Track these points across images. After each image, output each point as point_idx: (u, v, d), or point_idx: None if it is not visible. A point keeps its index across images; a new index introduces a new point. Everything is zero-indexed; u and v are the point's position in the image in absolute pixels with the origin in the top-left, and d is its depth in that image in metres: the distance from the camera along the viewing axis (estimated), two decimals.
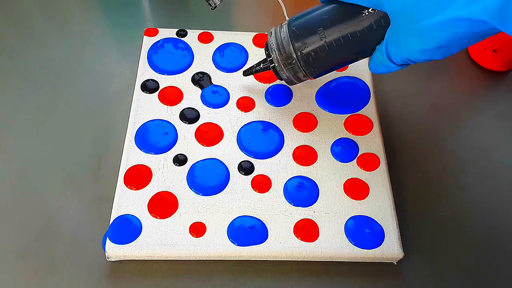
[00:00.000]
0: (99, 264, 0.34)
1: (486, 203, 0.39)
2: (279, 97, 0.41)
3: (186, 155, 0.37)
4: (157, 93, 0.41)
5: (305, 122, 0.40)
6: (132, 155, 0.37)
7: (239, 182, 0.36)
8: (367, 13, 0.31)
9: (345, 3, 0.32)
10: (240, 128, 0.39)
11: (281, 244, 0.34)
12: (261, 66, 0.38)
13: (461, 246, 0.37)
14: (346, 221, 0.35)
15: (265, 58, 0.37)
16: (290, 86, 0.42)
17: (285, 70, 0.35)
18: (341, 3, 0.32)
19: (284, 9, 0.37)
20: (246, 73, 0.40)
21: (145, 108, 0.40)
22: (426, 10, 0.27)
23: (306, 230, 0.34)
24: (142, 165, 0.37)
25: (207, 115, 0.40)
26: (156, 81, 0.41)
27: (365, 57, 0.34)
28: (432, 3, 0.26)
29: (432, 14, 0.27)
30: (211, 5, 0.37)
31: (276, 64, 0.35)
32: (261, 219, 0.35)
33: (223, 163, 0.37)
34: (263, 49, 0.44)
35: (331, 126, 0.40)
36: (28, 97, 0.42)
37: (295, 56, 0.34)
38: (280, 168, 0.37)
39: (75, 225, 0.35)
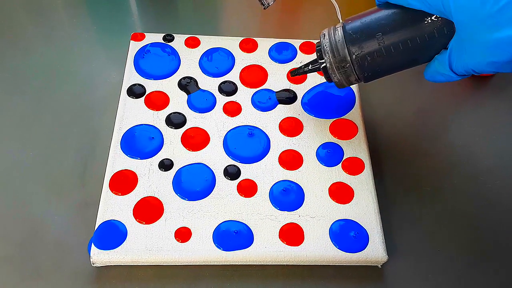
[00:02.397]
0: (84, 270, 0.34)
1: (470, 206, 0.39)
2: (265, 102, 0.42)
3: (172, 160, 0.37)
4: (143, 98, 0.41)
5: (291, 127, 0.40)
6: (117, 160, 0.37)
7: (225, 187, 0.37)
8: (429, 21, 0.30)
9: (407, 8, 0.31)
10: (227, 133, 0.39)
11: (266, 249, 0.34)
12: (310, 67, 0.37)
13: (445, 249, 0.37)
14: (331, 225, 0.35)
15: (315, 59, 0.37)
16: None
17: (337, 73, 0.34)
18: (402, 8, 0.31)
19: (338, 11, 0.37)
20: (293, 74, 0.39)
21: (131, 113, 0.40)
22: (499, 23, 0.26)
23: (292, 234, 0.35)
24: (128, 170, 0.37)
25: (194, 119, 0.40)
26: (142, 86, 0.41)
27: (421, 64, 0.34)
28: (506, 15, 0.26)
29: (505, 26, 0.26)
30: (264, 4, 0.37)
31: (328, 67, 0.35)
32: (246, 223, 0.35)
33: (209, 168, 0.37)
34: (250, 53, 0.45)
35: (317, 131, 0.40)
36: (13, 103, 0.42)
37: (349, 60, 0.33)
38: (266, 172, 0.38)
39: (60, 231, 0.35)
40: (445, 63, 0.31)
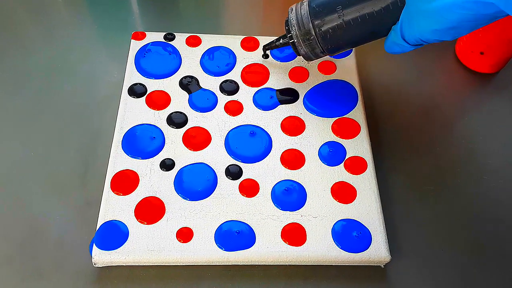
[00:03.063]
0: (86, 270, 0.34)
1: (474, 205, 0.39)
2: (267, 101, 0.41)
3: (174, 159, 0.37)
4: (144, 97, 0.40)
5: (293, 126, 0.40)
6: (119, 160, 0.37)
7: (226, 187, 0.36)
8: None
9: None
10: (228, 132, 0.39)
11: (268, 249, 0.34)
12: (281, 41, 0.40)
13: (448, 249, 0.37)
14: (334, 225, 0.35)
15: (285, 34, 0.39)
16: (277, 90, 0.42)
17: (303, 46, 0.37)
18: None
19: None
20: (266, 48, 0.42)
21: (132, 113, 0.39)
22: None
23: (294, 234, 0.34)
24: (129, 170, 0.36)
25: (195, 119, 0.40)
26: (143, 85, 0.41)
27: (380, 37, 0.36)
28: None
29: None
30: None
31: (295, 40, 0.37)
32: (248, 223, 0.35)
33: (210, 167, 0.37)
34: (252, 52, 0.44)
35: (319, 130, 0.40)
36: (14, 102, 0.42)
37: (313, 33, 0.36)
38: (268, 172, 0.37)
39: (61, 231, 0.35)
40: (398, 34, 0.33)
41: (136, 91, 0.41)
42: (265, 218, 0.35)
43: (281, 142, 0.39)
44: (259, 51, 0.44)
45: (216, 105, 0.41)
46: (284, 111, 0.41)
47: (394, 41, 0.34)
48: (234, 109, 0.41)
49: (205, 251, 0.33)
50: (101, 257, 0.33)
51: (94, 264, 0.33)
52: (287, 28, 0.38)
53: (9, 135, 0.40)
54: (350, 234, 0.35)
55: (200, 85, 0.42)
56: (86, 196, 0.37)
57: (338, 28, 0.35)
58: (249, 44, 0.45)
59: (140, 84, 0.41)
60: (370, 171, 0.38)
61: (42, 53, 0.45)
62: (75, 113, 0.41)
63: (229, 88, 0.42)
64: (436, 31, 0.31)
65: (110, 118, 0.40)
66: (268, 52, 0.44)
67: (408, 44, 0.33)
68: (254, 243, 0.34)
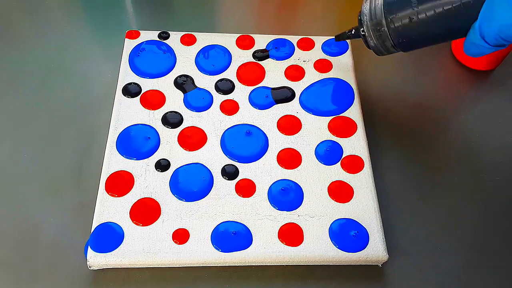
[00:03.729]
0: (81, 273, 0.33)
1: (471, 203, 0.39)
2: (263, 99, 0.41)
3: (169, 160, 0.37)
4: (139, 97, 0.40)
5: (289, 125, 0.40)
6: (113, 161, 0.36)
7: (223, 187, 0.36)
8: None
9: None
10: (224, 132, 0.39)
11: (265, 249, 0.33)
12: (353, 32, 0.39)
13: (446, 247, 0.37)
14: (331, 224, 0.35)
15: (357, 26, 0.38)
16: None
17: (373, 37, 0.36)
18: None
19: None
20: (338, 38, 0.41)
21: (127, 113, 0.39)
22: None
23: (291, 234, 0.34)
24: (124, 171, 0.36)
25: (190, 119, 0.39)
26: (138, 85, 0.41)
27: (459, 37, 0.34)
28: None
29: None
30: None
31: (365, 31, 0.36)
32: (245, 224, 0.34)
33: (206, 167, 0.37)
34: (247, 50, 0.44)
35: (315, 129, 0.40)
36: (6, 102, 0.41)
37: (384, 24, 0.34)
38: (264, 172, 0.37)
39: (56, 233, 0.35)
40: (477, 32, 0.30)
41: (131, 90, 0.40)
42: (262, 218, 0.35)
43: (278, 141, 0.39)
44: (255, 49, 0.44)
45: (211, 104, 0.40)
46: (280, 110, 0.41)
47: (472, 41, 0.31)
48: (229, 108, 0.40)
49: (201, 252, 0.33)
50: (96, 259, 0.32)
51: (89, 266, 0.33)
52: (359, 18, 0.37)
53: (2, 136, 0.39)
54: (347, 234, 0.34)
55: (195, 84, 0.41)
56: (80, 198, 0.36)
57: (411, 22, 0.33)
58: (244, 43, 0.44)
59: (135, 83, 0.41)
60: (367, 169, 0.38)
61: (35, 53, 0.44)
62: (68, 114, 0.41)
63: (225, 87, 0.41)
64: None
65: (105, 119, 0.40)
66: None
67: (488, 45, 0.30)
68: (251, 243, 0.34)
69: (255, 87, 0.42)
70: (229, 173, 0.37)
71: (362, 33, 0.37)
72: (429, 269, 0.36)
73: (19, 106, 0.41)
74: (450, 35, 0.34)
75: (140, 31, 0.44)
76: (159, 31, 0.44)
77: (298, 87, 0.42)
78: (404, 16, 0.33)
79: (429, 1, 0.32)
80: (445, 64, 0.48)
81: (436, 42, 0.35)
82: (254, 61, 0.43)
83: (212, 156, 0.37)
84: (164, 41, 0.44)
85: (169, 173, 0.36)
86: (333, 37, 0.42)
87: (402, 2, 0.33)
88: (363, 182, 0.37)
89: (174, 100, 0.40)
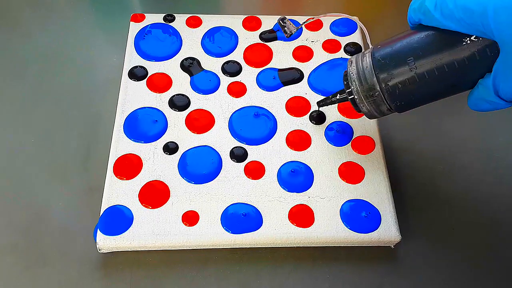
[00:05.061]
0: (91, 256, 0.33)
1: (484, 183, 0.38)
2: (270, 81, 0.40)
3: (177, 143, 0.36)
4: (145, 80, 0.39)
5: (298, 107, 0.39)
6: (121, 145, 0.36)
7: (232, 170, 0.36)
8: (469, 42, 0.27)
9: (441, 30, 0.28)
10: (232, 114, 0.38)
11: (276, 231, 0.33)
12: (338, 97, 0.35)
13: (459, 227, 0.36)
14: (342, 206, 0.34)
15: (343, 89, 0.34)
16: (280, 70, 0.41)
17: (365, 103, 0.31)
18: (436, 29, 0.28)
19: (368, 36, 0.34)
20: (320, 105, 0.37)
21: (133, 96, 0.38)
22: None
23: (301, 216, 0.34)
24: (132, 154, 0.36)
25: (198, 101, 0.39)
26: (144, 68, 0.40)
27: (463, 91, 0.30)
28: None
29: None
30: (286, 33, 0.36)
31: (355, 96, 0.32)
32: (255, 206, 0.34)
33: (215, 150, 0.36)
34: (254, 32, 0.43)
35: (325, 110, 0.39)
36: (13, 88, 0.41)
37: (378, 88, 0.30)
38: (273, 154, 0.37)
39: (65, 217, 0.35)
40: (490, 89, 0.27)
41: (137, 74, 0.40)
42: (271, 200, 0.34)
43: (286, 123, 0.38)
44: (262, 30, 0.43)
45: (218, 86, 0.40)
46: (289, 91, 0.40)
47: (483, 98, 0.28)
48: (237, 90, 0.40)
49: (211, 234, 0.33)
50: (105, 242, 0.32)
51: (99, 249, 0.32)
52: (345, 82, 0.33)
53: (8, 122, 0.39)
54: (359, 215, 0.34)
55: (202, 66, 0.41)
56: (89, 182, 0.36)
57: (410, 82, 0.29)
58: (251, 24, 0.43)
59: (141, 66, 0.40)
60: (378, 150, 0.37)
61: (40, 39, 0.44)
62: (75, 99, 0.40)
63: (232, 69, 0.41)
64: None
65: (111, 103, 0.39)
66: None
67: (504, 101, 0.27)
68: (261, 225, 0.33)
69: (262, 68, 0.41)
70: (238, 155, 0.36)
71: (350, 98, 0.32)
72: (442, 249, 0.35)
73: (25, 92, 0.40)
74: (454, 90, 0.30)
75: (145, 14, 0.43)
76: (164, 14, 0.43)
77: (307, 68, 0.41)
78: (400, 76, 0.29)
79: (427, 56, 0.28)
80: None
81: (437, 98, 0.31)
82: (261, 42, 0.43)
83: (220, 139, 0.37)
84: (169, 24, 0.43)
85: (177, 156, 0.36)
86: (343, 16, 0.41)
87: (396, 61, 0.29)
88: (374, 163, 0.36)
89: (181, 83, 0.40)
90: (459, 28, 0.27)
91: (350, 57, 0.42)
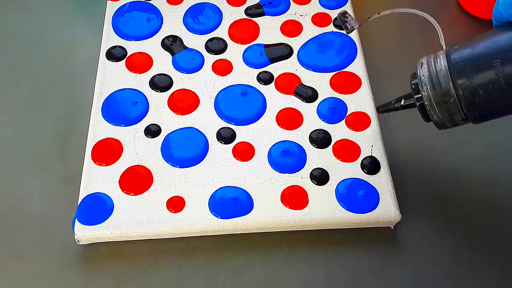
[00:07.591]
0: (70, 249, 0.31)
1: (485, 160, 0.36)
2: (258, 58, 0.38)
3: (159, 125, 0.34)
4: (124, 60, 0.37)
5: (287, 83, 0.37)
6: (99, 129, 0.34)
7: (219, 152, 0.33)
8: None
9: None
10: (218, 94, 0.36)
11: (268, 214, 0.31)
12: (403, 102, 0.31)
13: (460, 206, 0.34)
14: (337, 185, 0.32)
15: (409, 93, 0.30)
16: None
17: (437, 111, 0.28)
18: None
19: (441, 35, 0.31)
20: (381, 111, 0.33)
21: (112, 78, 0.36)
22: None
23: (295, 198, 0.32)
24: (111, 138, 0.33)
25: (180, 81, 0.37)
26: (123, 48, 0.38)
27: None
28: None
29: None
30: (347, 28, 0.33)
31: (426, 102, 0.28)
32: (245, 189, 0.32)
33: (200, 132, 0.34)
34: (239, 7, 0.41)
35: (316, 86, 0.37)
36: None
37: (454, 93, 0.27)
38: (263, 134, 0.35)
39: (42, 208, 0.33)
40: None
41: (115, 54, 0.37)
42: (262, 182, 0.32)
43: (276, 101, 0.36)
44: (247, 5, 0.41)
45: (202, 65, 0.38)
46: (278, 67, 0.38)
47: None
48: (222, 68, 0.37)
49: (199, 220, 0.31)
50: (84, 232, 0.30)
51: (78, 241, 0.30)
52: (413, 86, 0.29)
53: None
54: (355, 194, 0.32)
55: (185, 44, 0.38)
56: (66, 170, 0.34)
57: (494, 88, 0.25)
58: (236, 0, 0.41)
59: (119, 46, 0.38)
60: (374, 126, 0.35)
61: (13, 19, 0.42)
62: (51, 82, 0.38)
63: (216, 46, 0.39)
64: None
65: (89, 86, 0.37)
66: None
67: None
68: (252, 209, 0.31)
69: (248, 45, 0.39)
70: (225, 137, 0.34)
71: (419, 103, 0.29)
72: (444, 231, 0.33)
73: None
74: None
75: None
76: None
77: (296, 43, 0.39)
78: (482, 81, 0.25)
79: None
80: (451, 16, 0.45)
81: None
82: (247, 18, 0.40)
83: (206, 120, 0.35)
84: (149, 1, 0.41)
85: (160, 139, 0.34)
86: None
87: (479, 63, 0.25)
88: (370, 140, 0.34)
89: (162, 62, 0.37)
90: None
91: (341, 31, 0.40)
